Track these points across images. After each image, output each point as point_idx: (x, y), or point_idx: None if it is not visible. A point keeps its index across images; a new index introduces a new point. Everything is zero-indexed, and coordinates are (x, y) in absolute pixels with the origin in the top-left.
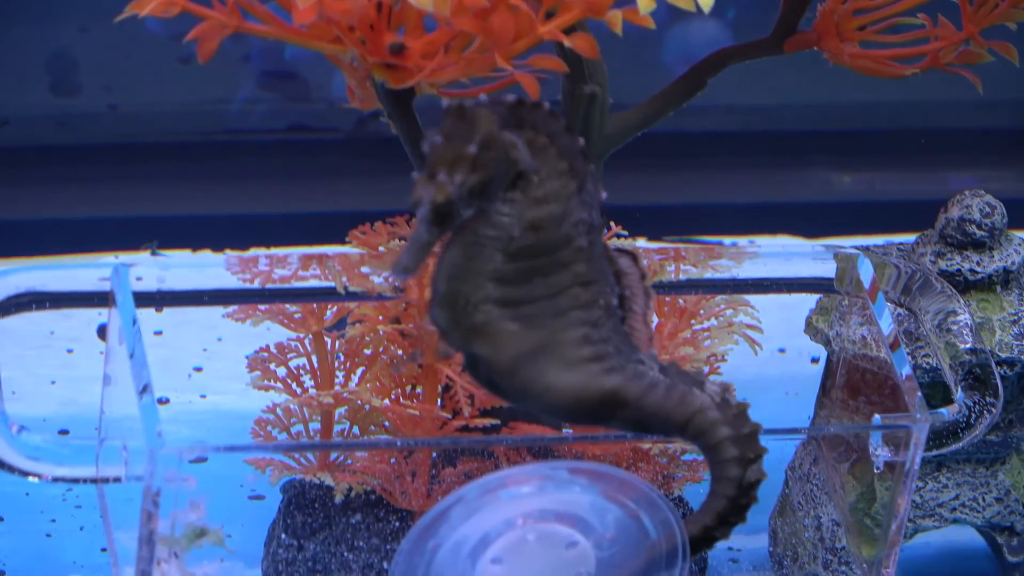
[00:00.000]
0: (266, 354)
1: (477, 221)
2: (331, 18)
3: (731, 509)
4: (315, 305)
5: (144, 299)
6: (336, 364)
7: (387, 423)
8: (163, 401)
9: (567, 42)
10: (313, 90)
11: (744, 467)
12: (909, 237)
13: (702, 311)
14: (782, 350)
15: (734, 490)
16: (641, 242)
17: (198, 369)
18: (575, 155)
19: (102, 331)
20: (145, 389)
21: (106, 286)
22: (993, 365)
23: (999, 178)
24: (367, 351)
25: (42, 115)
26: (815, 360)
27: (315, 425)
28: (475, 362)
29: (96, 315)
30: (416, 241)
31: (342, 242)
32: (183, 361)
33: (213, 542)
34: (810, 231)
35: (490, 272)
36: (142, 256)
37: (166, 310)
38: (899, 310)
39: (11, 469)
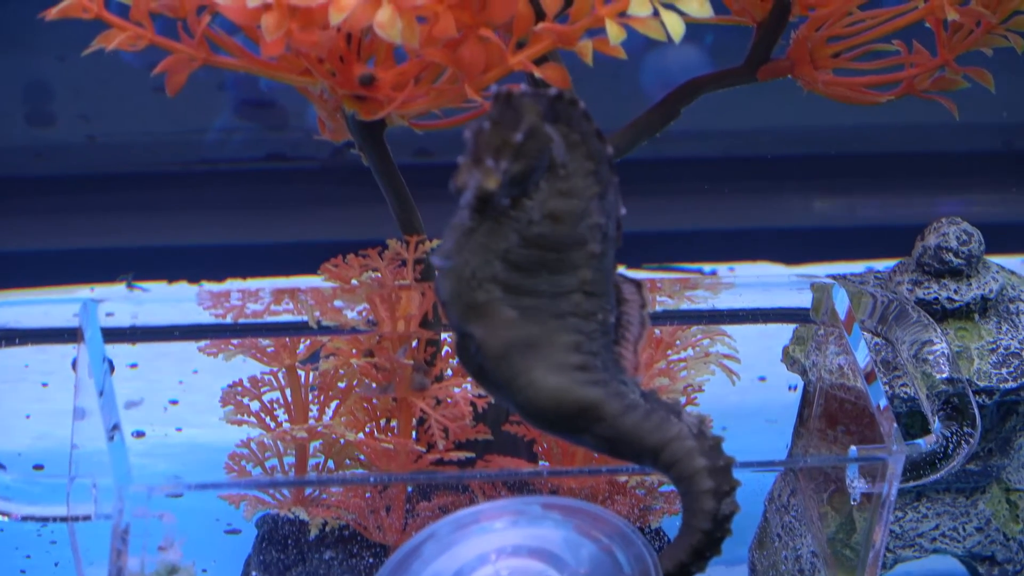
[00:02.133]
0: (240, 388)
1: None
2: (300, 50)
3: (706, 543)
4: (288, 339)
5: (116, 335)
6: (310, 398)
7: (362, 456)
8: (139, 434)
9: (538, 73)
10: (290, 118)
11: (719, 500)
12: (891, 262)
13: (678, 341)
14: (762, 378)
15: (709, 523)
16: (619, 271)
17: (174, 402)
18: (602, 160)
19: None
20: (115, 428)
21: (78, 322)
22: (970, 394)
23: (981, 202)
24: (341, 384)
25: (19, 145)
26: (793, 388)
27: (289, 459)
28: (466, 344)
29: (72, 348)
30: (458, 227)
31: (319, 272)
32: (159, 394)
33: None
34: (790, 257)
35: (502, 251)
36: (116, 289)
37: (141, 343)
38: (876, 339)
39: None
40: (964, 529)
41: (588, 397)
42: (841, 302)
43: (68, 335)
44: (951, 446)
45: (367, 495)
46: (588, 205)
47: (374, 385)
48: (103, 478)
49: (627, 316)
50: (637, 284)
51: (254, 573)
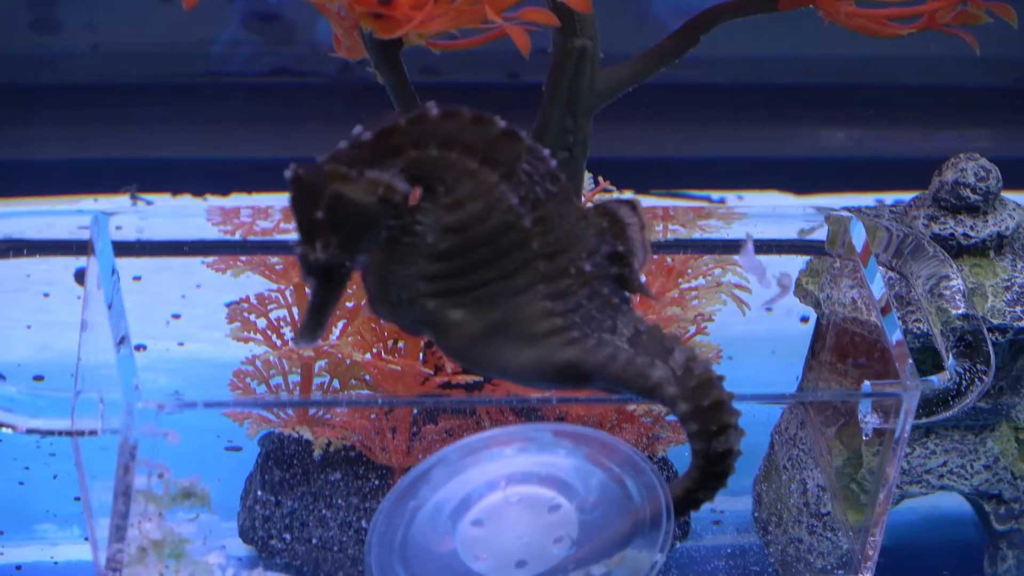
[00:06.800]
0: (246, 305)
1: (397, 230)
2: None
3: (705, 479)
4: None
5: (123, 248)
6: None
7: (368, 377)
8: (140, 348)
9: None
10: (298, 32)
11: (708, 439)
12: (900, 195)
13: (690, 270)
14: (770, 308)
15: (703, 461)
16: (628, 196)
17: (176, 316)
18: (490, 144)
19: (79, 275)
20: (123, 340)
21: (85, 234)
22: (985, 332)
23: (996, 137)
24: (349, 304)
25: (23, 53)
26: (804, 319)
27: (294, 377)
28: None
29: (74, 259)
30: (310, 307)
31: None
32: (161, 307)
33: (199, 505)
34: (799, 187)
35: (415, 274)
36: (122, 203)
37: (148, 257)
38: (890, 274)
39: None
40: (972, 467)
41: (562, 359)
42: (858, 235)
43: (75, 247)
44: (964, 383)
45: (372, 416)
46: (489, 198)
47: None
48: (110, 392)
49: (631, 241)
50: (632, 205)
51: (259, 492)
